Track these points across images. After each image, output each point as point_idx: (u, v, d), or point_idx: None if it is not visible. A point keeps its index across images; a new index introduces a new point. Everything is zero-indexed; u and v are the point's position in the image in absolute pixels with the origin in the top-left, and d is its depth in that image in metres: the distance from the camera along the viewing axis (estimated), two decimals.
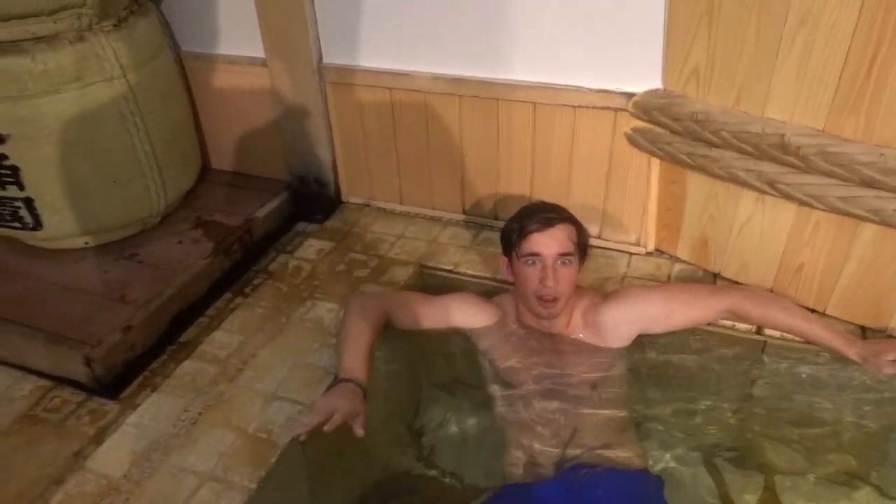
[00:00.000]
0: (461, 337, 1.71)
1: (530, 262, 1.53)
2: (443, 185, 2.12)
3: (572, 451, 1.45)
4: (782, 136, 1.49)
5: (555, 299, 1.53)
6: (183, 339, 1.84)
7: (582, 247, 1.58)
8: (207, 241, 2.01)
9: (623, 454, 1.46)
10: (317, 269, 1.96)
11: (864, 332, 1.61)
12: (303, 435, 1.31)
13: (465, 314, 1.68)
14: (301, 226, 2.30)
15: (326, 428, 1.28)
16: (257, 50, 2.11)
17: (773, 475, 1.60)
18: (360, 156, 2.18)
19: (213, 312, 1.93)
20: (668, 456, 1.66)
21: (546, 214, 1.54)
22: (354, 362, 1.48)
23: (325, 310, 1.79)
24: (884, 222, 1.44)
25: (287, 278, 1.93)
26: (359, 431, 1.32)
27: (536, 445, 1.48)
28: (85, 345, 1.62)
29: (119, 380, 1.66)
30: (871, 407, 1.58)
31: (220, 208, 2.19)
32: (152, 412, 1.52)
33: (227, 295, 1.99)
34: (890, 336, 1.58)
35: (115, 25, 1.83)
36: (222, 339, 1.72)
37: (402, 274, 1.92)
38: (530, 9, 1.73)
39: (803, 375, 1.62)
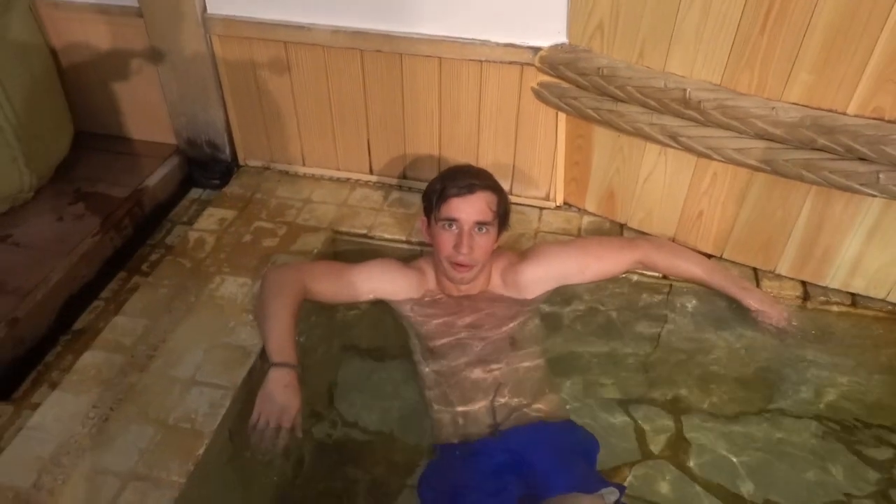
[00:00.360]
0: (380, 303, 1.69)
1: (447, 225, 1.53)
2: (348, 145, 2.04)
3: (499, 407, 1.49)
4: (684, 90, 1.55)
5: (469, 266, 1.54)
6: (77, 326, 1.69)
7: (502, 215, 1.58)
8: (92, 216, 1.84)
9: (546, 407, 1.52)
10: (221, 240, 1.85)
11: (755, 274, 1.75)
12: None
13: (386, 282, 1.66)
14: (195, 193, 2.16)
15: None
16: None
17: (681, 415, 1.72)
18: (256, 115, 2.04)
19: (108, 295, 1.78)
20: (582, 404, 1.75)
21: (469, 180, 1.52)
22: (282, 342, 1.44)
23: (236, 285, 1.70)
24: (774, 171, 1.54)
25: (189, 253, 1.81)
26: (297, 434, 1.35)
27: (463, 405, 1.50)
28: None
29: (9, 379, 1.51)
30: (762, 347, 1.74)
31: (102, 178, 2.00)
32: (55, 412, 1.39)
33: (122, 274, 1.84)
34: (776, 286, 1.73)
35: None
36: (125, 325, 1.59)
37: (314, 241, 1.85)
38: None
39: (704, 319, 1.74)
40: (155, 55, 1.96)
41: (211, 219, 1.93)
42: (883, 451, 1.59)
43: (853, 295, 1.70)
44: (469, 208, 1.51)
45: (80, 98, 2.11)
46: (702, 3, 1.47)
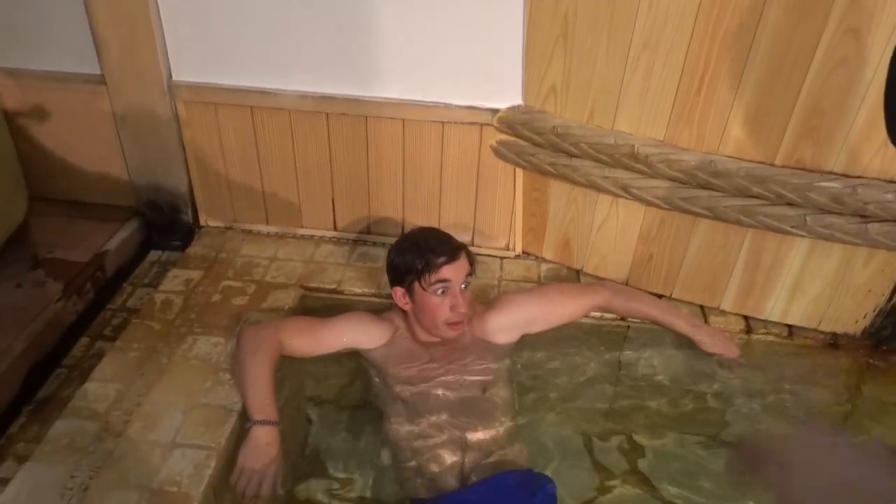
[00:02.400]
0: (350, 356, 1.72)
1: (440, 290, 1.59)
2: (312, 204, 2.09)
3: (469, 458, 1.53)
4: (632, 146, 1.70)
5: (463, 321, 1.62)
6: (40, 396, 1.63)
7: (474, 269, 1.67)
8: (54, 282, 1.80)
9: (511, 454, 1.56)
10: (189, 301, 1.84)
11: (703, 310, 1.90)
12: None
13: (360, 333, 1.69)
14: (154, 255, 2.14)
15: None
16: (91, 66, 1.92)
17: (638, 449, 1.79)
18: (219, 177, 2.07)
19: (70, 362, 1.74)
20: (550, 443, 1.81)
21: (451, 245, 1.61)
22: (263, 400, 1.46)
23: (209, 344, 1.70)
24: (716, 217, 1.70)
25: (157, 315, 1.79)
26: (278, 490, 1.40)
27: (434, 456, 1.53)
28: None
29: None
30: (712, 380, 1.86)
31: (60, 243, 1.96)
32: (29, 486, 1.34)
33: (85, 340, 1.80)
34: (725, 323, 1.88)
35: None
36: (96, 391, 1.55)
37: (284, 298, 1.87)
38: (396, 28, 1.78)
39: (659, 357, 1.87)
40: (118, 121, 1.97)
41: (176, 280, 1.92)
42: None
43: (790, 326, 1.87)
44: (459, 270, 1.59)
45: (35, 163, 2.08)
46: (644, 69, 1.64)
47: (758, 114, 1.58)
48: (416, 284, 1.60)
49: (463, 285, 1.60)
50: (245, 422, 1.48)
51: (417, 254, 1.61)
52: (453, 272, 1.58)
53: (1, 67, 1.96)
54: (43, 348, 1.66)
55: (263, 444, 1.42)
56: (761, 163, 1.63)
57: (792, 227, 1.63)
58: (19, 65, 1.96)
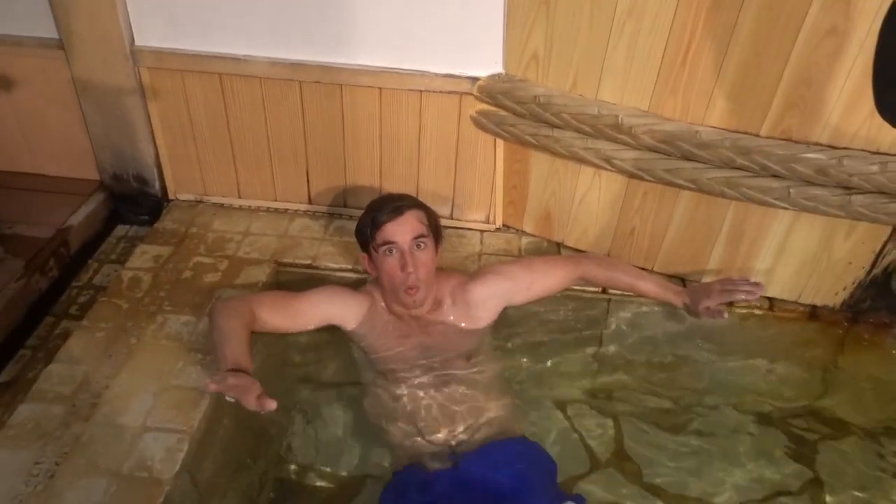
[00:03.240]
0: (328, 330, 1.68)
1: (387, 250, 1.55)
2: (286, 176, 2.02)
3: (456, 428, 1.51)
4: (616, 116, 1.66)
5: (416, 286, 1.57)
6: (2, 378, 1.57)
7: (434, 229, 1.63)
8: (14, 260, 1.72)
9: (501, 424, 1.55)
10: (158, 278, 1.77)
11: (684, 283, 1.88)
12: (212, 386, 1.28)
13: (336, 307, 1.65)
14: (122, 230, 2.06)
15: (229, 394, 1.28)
16: (48, 29, 1.81)
17: (622, 424, 1.80)
18: (188, 148, 1.99)
19: (35, 342, 1.67)
20: (532, 420, 1.80)
21: (395, 203, 1.57)
22: (237, 355, 1.39)
23: (179, 323, 1.64)
24: (700, 189, 1.67)
25: (125, 293, 1.72)
26: (270, 404, 1.26)
27: (419, 429, 1.51)
28: None
29: None
30: (692, 353, 1.87)
31: (21, 218, 1.87)
32: None
33: (49, 319, 1.73)
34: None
35: None
36: (61, 373, 1.49)
37: (258, 274, 1.81)
38: None
39: (642, 329, 1.86)
40: (78, 88, 1.87)
41: (145, 256, 1.85)
42: (806, 433, 1.74)
43: (771, 299, 1.86)
44: (403, 228, 1.55)
45: None
46: (629, 37, 1.58)
47: (744, 83, 1.53)
48: (371, 247, 1.58)
49: (416, 245, 1.56)
50: (219, 402, 1.44)
51: (368, 214, 1.60)
52: (398, 229, 1.55)
53: None
54: (4, 328, 1.59)
55: (238, 378, 1.31)
56: (746, 133, 1.59)
57: (775, 199, 1.61)
58: None
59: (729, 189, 1.64)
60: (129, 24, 1.79)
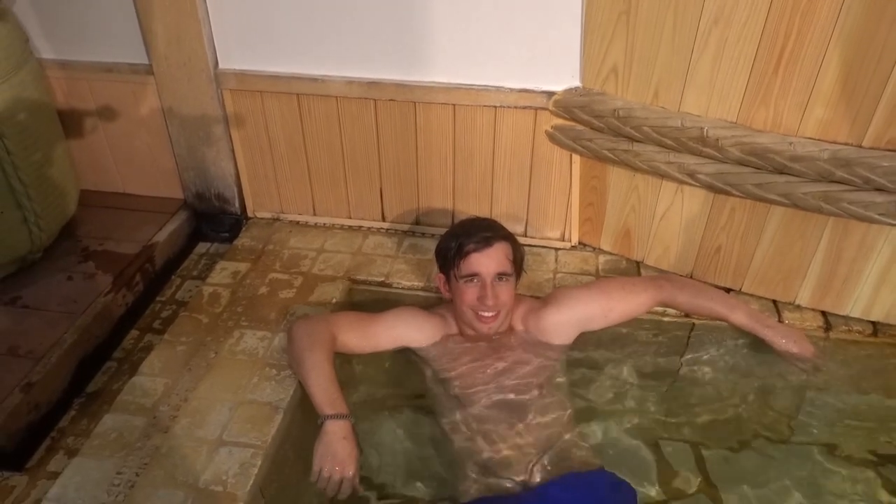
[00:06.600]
0: (402, 352, 1.66)
1: (469, 280, 1.53)
2: (360, 193, 2.03)
3: (529, 458, 1.45)
4: (702, 129, 1.58)
5: (495, 315, 1.54)
6: (91, 388, 1.63)
7: (518, 263, 1.59)
8: (104, 275, 1.79)
9: (578, 454, 1.49)
10: (237, 294, 1.81)
11: (775, 305, 1.76)
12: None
13: (413, 329, 1.63)
14: (203, 247, 2.12)
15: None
16: (139, 55, 1.90)
17: (705, 454, 1.69)
18: (266, 167, 2.03)
19: (120, 355, 1.73)
20: (609, 448, 1.72)
21: (484, 234, 1.53)
22: (331, 394, 1.42)
23: (255, 339, 1.66)
24: (794, 205, 1.57)
25: (205, 308, 1.76)
26: (357, 487, 1.36)
27: (491, 455, 1.46)
28: None
29: (24, 447, 1.44)
30: (784, 382, 1.74)
31: (110, 235, 1.96)
32: (77, 480, 1.32)
33: (134, 333, 1.79)
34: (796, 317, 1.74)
35: None
36: (144, 385, 1.53)
37: (332, 291, 1.82)
38: (446, 9, 1.69)
39: (728, 358, 1.75)
40: (165, 110, 1.95)
41: (224, 272, 1.89)
42: None
43: (874, 323, 1.72)
44: (489, 261, 1.52)
45: (85, 155, 2.09)
46: (715, 45, 1.51)
47: (843, 91, 1.43)
48: (452, 271, 1.55)
49: (498, 278, 1.52)
50: (293, 418, 1.45)
51: (453, 239, 1.56)
52: (483, 261, 1.51)
53: (51, 59, 1.96)
54: (93, 341, 1.66)
55: (340, 438, 1.38)
56: (847, 144, 1.48)
57: (880, 214, 1.48)
58: (68, 56, 1.95)
59: (827, 204, 1.52)
60: (214, 47, 1.86)
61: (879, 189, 1.47)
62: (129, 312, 1.81)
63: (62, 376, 1.55)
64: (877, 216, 1.49)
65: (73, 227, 1.97)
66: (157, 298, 1.90)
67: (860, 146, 1.47)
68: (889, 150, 1.45)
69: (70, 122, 2.02)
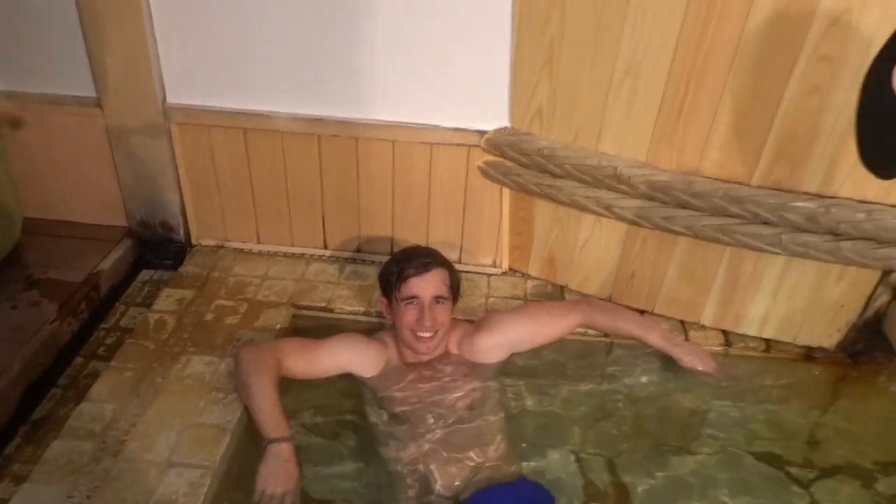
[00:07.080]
0: (344, 375, 1.75)
1: (409, 302, 1.65)
2: (303, 223, 2.13)
3: (463, 473, 1.56)
4: (615, 167, 1.76)
5: (432, 335, 1.66)
6: (36, 415, 1.66)
7: (454, 289, 1.72)
8: (49, 303, 1.82)
9: (507, 468, 1.60)
10: (182, 320, 1.87)
11: (683, 325, 1.96)
12: None
13: (356, 355, 1.73)
14: (146, 274, 2.16)
15: None
16: (87, 89, 1.95)
17: (621, 464, 1.83)
18: (212, 197, 2.11)
19: (65, 381, 1.76)
20: (535, 455, 1.85)
21: (424, 260, 1.66)
22: (275, 418, 1.51)
23: (202, 364, 1.73)
24: (695, 235, 1.76)
25: (151, 334, 1.81)
26: None
27: (425, 476, 1.56)
28: None
29: None
30: (690, 395, 1.91)
31: (54, 263, 1.99)
32: None
33: (79, 360, 1.82)
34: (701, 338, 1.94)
35: None
36: (92, 411, 1.58)
37: (276, 316, 1.90)
38: (386, 53, 1.83)
39: (641, 373, 1.91)
40: (113, 142, 2.00)
41: (169, 299, 1.95)
42: (804, 472, 1.77)
43: (767, 340, 1.93)
44: (427, 285, 1.64)
45: (29, 183, 2.10)
46: (627, 94, 1.70)
47: (735, 137, 1.64)
48: (393, 295, 1.67)
49: (436, 301, 1.64)
50: (240, 439, 1.52)
51: (395, 264, 1.69)
52: (422, 285, 1.63)
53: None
54: (38, 368, 1.69)
55: (283, 461, 1.47)
56: (738, 183, 1.69)
57: (768, 244, 1.69)
58: (15, 87, 1.99)
59: (723, 235, 1.72)
60: (163, 82, 1.93)
61: (766, 222, 1.68)
62: (74, 339, 1.84)
63: (8, 405, 1.58)
64: (765, 246, 1.70)
65: (17, 255, 1.99)
66: (102, 325, 1.93)
67: (749, 185, 1.68)
68: (774, 189, 1.66)
69: (14, 150, 2.04)
